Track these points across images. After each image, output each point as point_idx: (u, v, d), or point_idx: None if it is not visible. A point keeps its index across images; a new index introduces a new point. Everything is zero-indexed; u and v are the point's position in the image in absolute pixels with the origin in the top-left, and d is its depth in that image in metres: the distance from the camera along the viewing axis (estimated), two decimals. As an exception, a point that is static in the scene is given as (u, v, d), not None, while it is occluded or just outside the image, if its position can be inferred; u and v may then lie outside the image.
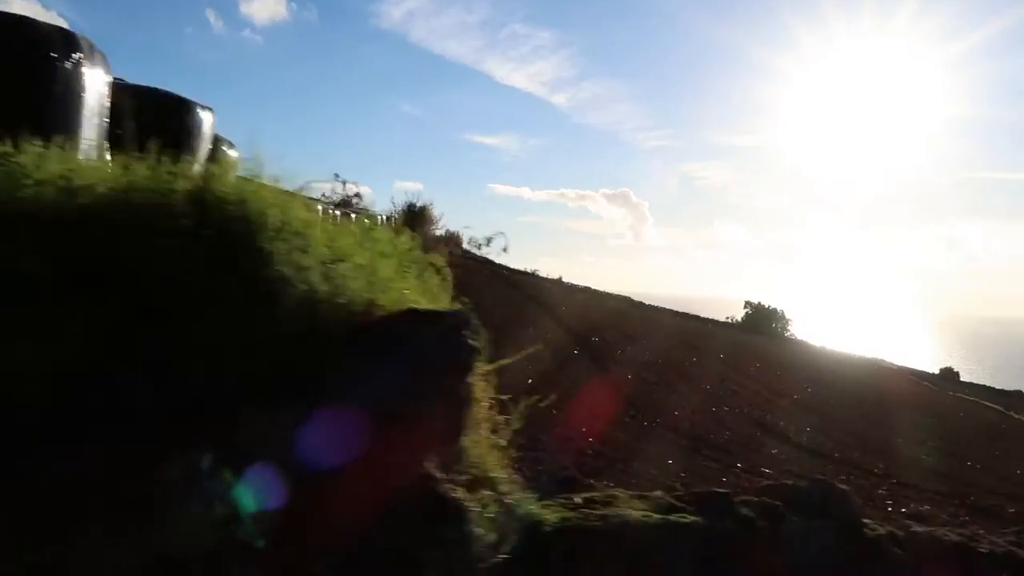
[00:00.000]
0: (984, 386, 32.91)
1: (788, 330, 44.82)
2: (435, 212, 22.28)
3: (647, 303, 30.00)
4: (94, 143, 4.88)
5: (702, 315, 37.51)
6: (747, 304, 45.08)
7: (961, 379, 35.84)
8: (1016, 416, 18.93)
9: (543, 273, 38.91)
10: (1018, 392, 34.21)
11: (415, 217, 19.37)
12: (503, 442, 4.09)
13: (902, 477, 10.79)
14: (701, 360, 17.77)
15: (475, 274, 17.17)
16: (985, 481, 11.45)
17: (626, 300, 27.71)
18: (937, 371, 36.73)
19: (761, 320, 43.58)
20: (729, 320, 44.32)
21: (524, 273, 33.29)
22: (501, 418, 4.09)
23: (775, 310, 45.19)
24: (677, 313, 31.98)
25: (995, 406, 21.03)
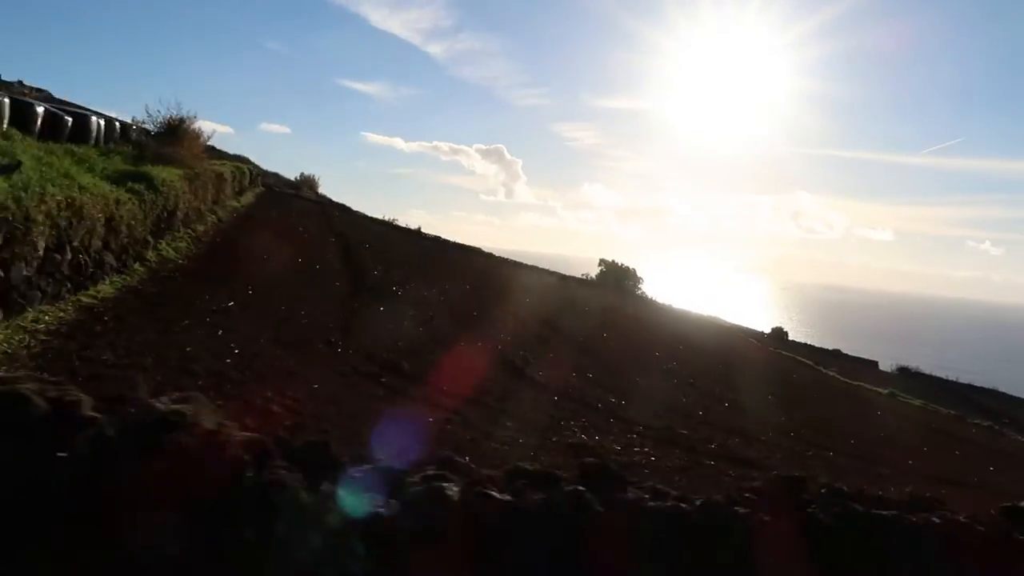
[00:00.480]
0: (806, 344, 35.80)
1: (640, 288, 46.44)
2: (199, 128, 21.86)
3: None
4: None
5: (566, 273, 38.12)
6: (601, 262, 46.32)
7: (789, 338, 38.66)
8: (823, 370, 20.47)
9: (403, 223, 37.97)
10: (837, 351, 37.37)
11: (175, 132, 19.35)
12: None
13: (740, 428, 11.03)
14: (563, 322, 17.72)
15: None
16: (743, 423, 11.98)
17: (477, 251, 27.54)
18: (769, 330, 39.42)
19: (614, 278, 44.84)
20: (584, 277, 45.36)
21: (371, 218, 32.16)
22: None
23: (627, 268, 46.67)
24: (525, 266, 32.26)
25: (806, 361, 22.73)
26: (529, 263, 34.58)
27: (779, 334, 39.33)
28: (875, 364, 35.12)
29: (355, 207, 41.71)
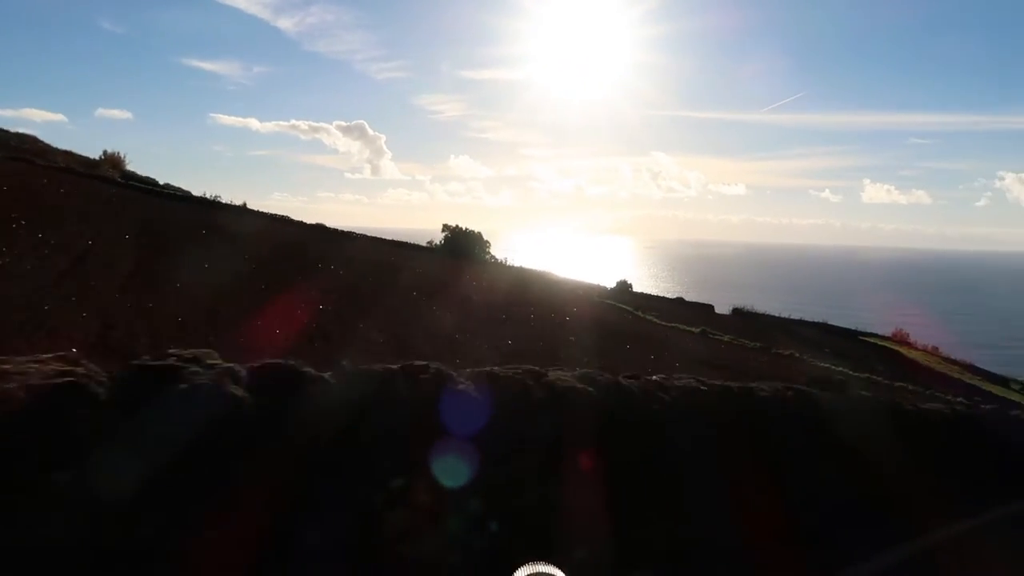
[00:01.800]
0: (646, 294, 36.32)
1: (489, 253, 45.13)
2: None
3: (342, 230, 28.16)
4: None
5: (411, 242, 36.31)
6: (445, 227, 44.58)
7: (633, 290, 38.93)
8: (640, 315, 20.26)
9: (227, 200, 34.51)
10: (679, 299, 38.05)
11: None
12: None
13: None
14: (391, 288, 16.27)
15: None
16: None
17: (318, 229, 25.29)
18: (614, 284, 39.53)
19: (461, 244, 43.28)
20: (429, 245, 43.56)
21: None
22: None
23: (474, 233, 45.20)
24: (376, 240, 30.45)
25: (626, 307, 22.49)
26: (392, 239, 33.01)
27: (623, 287, 39.55)
28: (711, 308, 35.95)
29: (201, 192, 37.80)
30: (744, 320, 31.41)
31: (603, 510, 5.05)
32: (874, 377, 19.51)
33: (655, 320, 21.53)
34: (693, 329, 21.56)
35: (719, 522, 5.57)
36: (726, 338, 20.82)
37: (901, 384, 18.12)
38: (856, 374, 18.15)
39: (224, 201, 35.61)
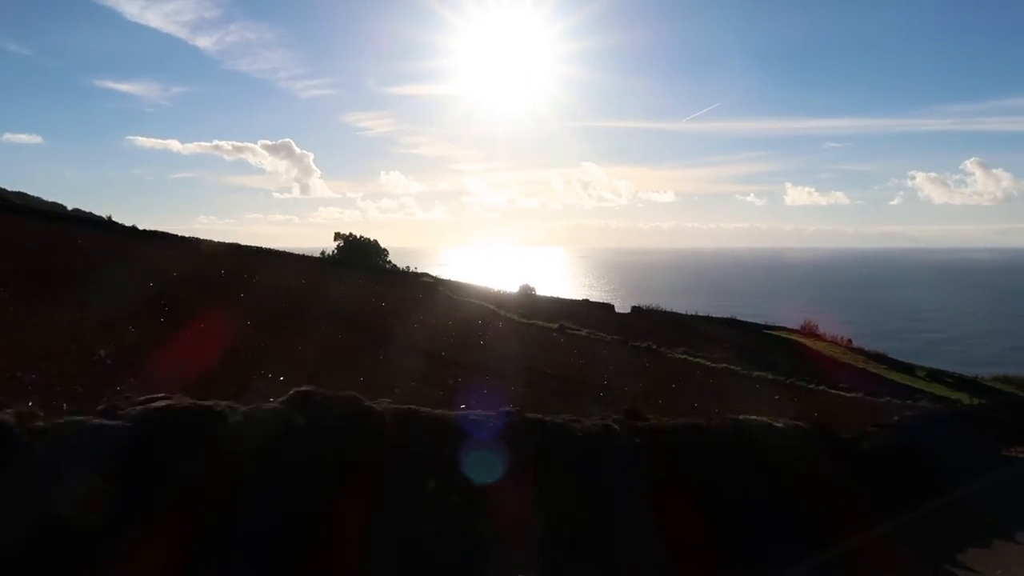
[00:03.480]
0: (551, 297, 34.97)
1: (388, 262, 42.86)
2: None
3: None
4: None
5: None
6: (338, 236, 42.08)
7: (536, 294, 37.46)
8: (503, 313, 18.68)
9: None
10: (586, 300, 36.65)
11: None
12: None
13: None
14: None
15: None
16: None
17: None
18: (516, 289, 37.98)
19: (355, 253, 40.89)
20: (323, 255, 41.10)
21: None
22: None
23: (369, 241, 42.85)
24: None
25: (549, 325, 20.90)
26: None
27: (526, 291, 38.08)
28: (611, 307, 34.70)
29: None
30: (638, 317, 30.11)
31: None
32: (770, 375, 18.23)
33: (516, 318, 20.17)
34: (551, 325, 20.13)
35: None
36: (583, 332, 19.35)
37: (793, 380, 16.89)
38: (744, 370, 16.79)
39: (141, 227, 32.50)
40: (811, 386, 15.72)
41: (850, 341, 43.91)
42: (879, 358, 36.77)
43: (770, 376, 16.99)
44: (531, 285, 39.61)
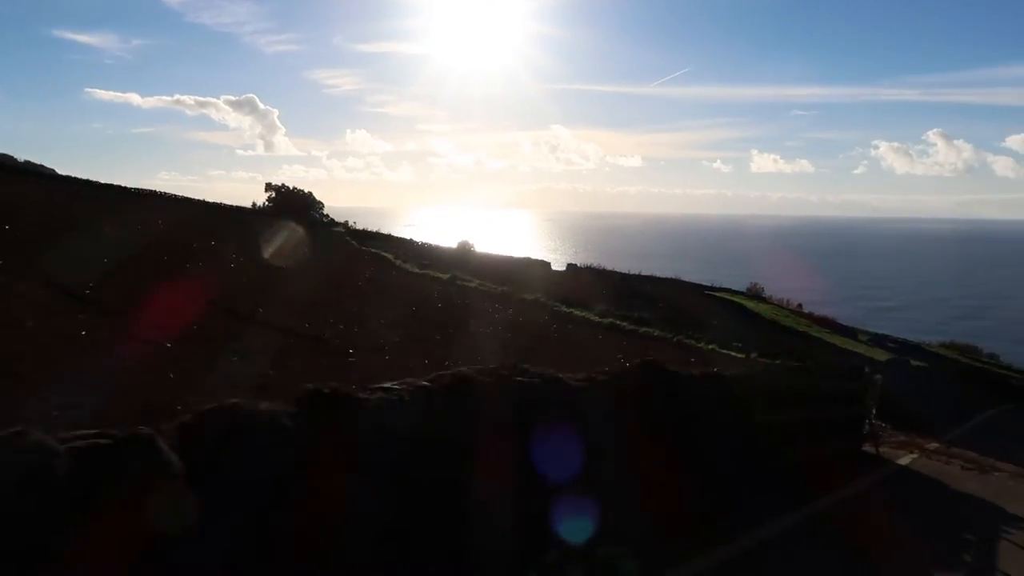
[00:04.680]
0: (486, 254, 33.78)
1: (324, 215, 41.00)
2: None
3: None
4: None
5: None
6: (268, 187, 40.02)
7: (474, 249, 36.26)
8: (399, 264, 17.47)
9: None
10: (527, 258, 35.42)
11: None
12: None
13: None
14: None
15: None
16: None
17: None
18: (456, 245, 36.70)
19: (288, 206, 38.95)
20: (254, 207, 39.11)
21: None
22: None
23: (302, 192, 40.88)
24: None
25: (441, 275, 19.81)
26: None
27: (464, 247, 36.72)
28: (548, 264, 33.55)
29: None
30: (574, 275, 28.87)
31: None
32: (656, 331, 17.09)
33: (410, 268, 19.13)
34: (443, 275, 18.97)
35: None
36: (474, 283, 18.17)
37: (680, 338, 16.00)
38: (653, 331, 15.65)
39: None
40: (700, 345, 14.67)
41: (800, 306, 43.46)
42: (824, 322, 36.32)
43: (656, 332, 15.92)
44: (471, 242, 38.19)
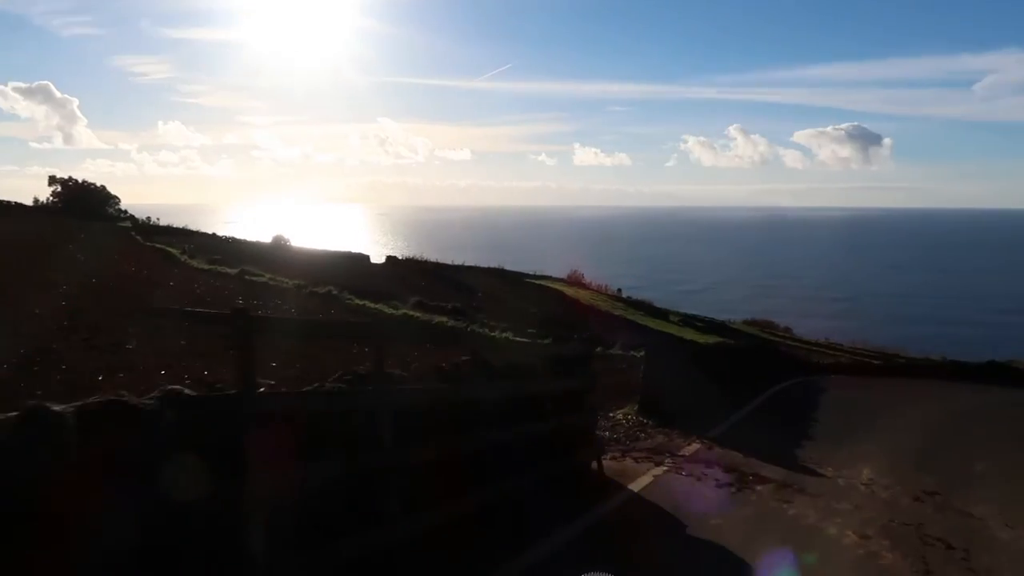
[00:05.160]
0: (300, 248, 32.24)
1: (121, 211, 37.15)
2: None
3: None
4: None
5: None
6: (53, 180, 35.68)
7: (290, 244, 34.48)
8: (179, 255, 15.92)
9: None
10: (336, 251, 34.22)
11: None
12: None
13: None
14: None
15: None
16: None
17: None
18: (270, 239, 34.67)
19: (78, 202, 34.86)
20: (36, 203, 34.65)
21: None
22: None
23: (97, 187, 36.84)
24: None
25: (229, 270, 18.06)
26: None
27: (279, 242, 34.79)
28: (367, 258, 32.70)
29: None
30: (392, 266, 28.13)
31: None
32: (450, 320, 17.02)
33: (196, 265, 17.80)
34: (231, 270, 17.75)
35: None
36: (265, 278, 17.33)
37: (473, 326, 16.09)
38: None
39: None
40: (483, 330, 14.71)
41: (620, 291, 45.39)
42: (639, 305, 38.22)
43: (450, 322, 15.80)
44: (286, 237, 36.15)
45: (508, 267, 39.47)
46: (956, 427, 13.53)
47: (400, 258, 30.17)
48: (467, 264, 36.80)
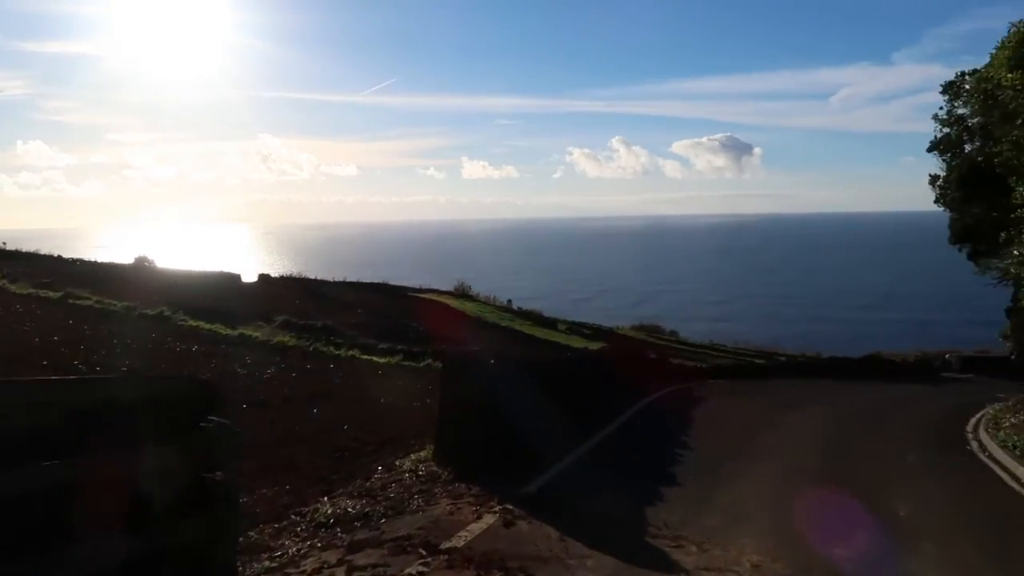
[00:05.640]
0: (165, 269, 30.00)
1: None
2: None
3: None
4: None
5: None
6: None
7: (154, 265, 32.07)
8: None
9: None
10: (220, 272, 32.19)
11: None
12: None
13: None
14: None
15: None
16: None
17: None
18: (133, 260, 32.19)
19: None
20: None
21: None
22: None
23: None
24: None
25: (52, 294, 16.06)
26: None
27: (140, 263, 32.31)
28: (238, 276, 30.89)
29: None
30: (266, 285, 26.58)
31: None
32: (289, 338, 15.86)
33: (16, 290, 16.05)
34: (54, 294, 16.05)
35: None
36: (91, 301, 15.83)
37: (317, 346, 15.03)
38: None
39: None
40: (339, 352, 13.76)
41: (510, 302, 45.17)
42: (527, 315, 38.12)
43: (291, 342, 14.80)
44: (149, 258, 33.59)
45: (395, 282, 38.45)
46: (865, 450, 11.62)
47: (275, 276, 28.44)
48: (348, 280, 35.44)
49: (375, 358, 12.11)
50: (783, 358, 34.19)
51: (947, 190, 26.61)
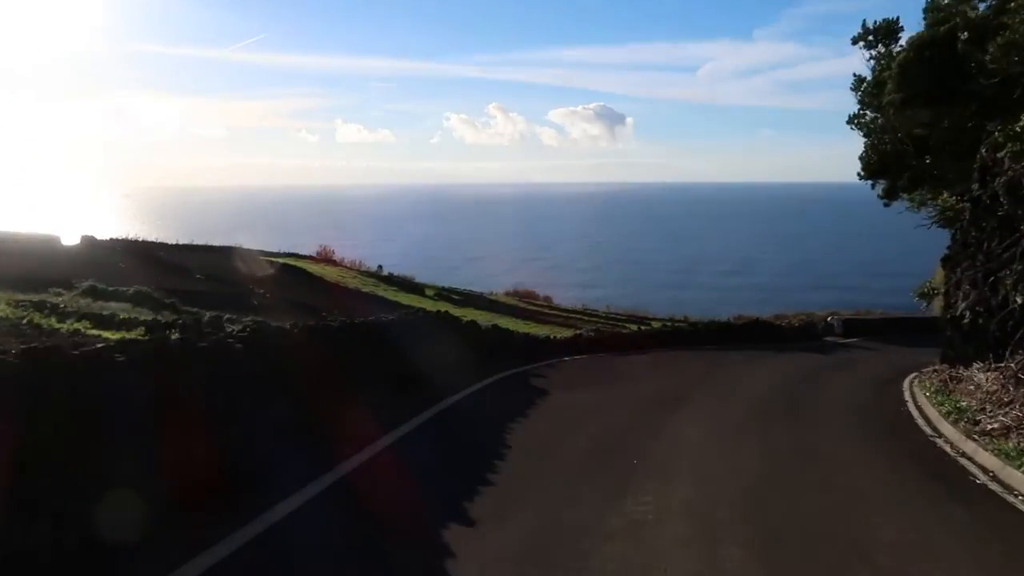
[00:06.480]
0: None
1: None
2: None
3: None
4: None
5: None
6: None
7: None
8: None
9: None
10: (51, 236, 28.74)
11: None
12: None
13: None
14: None
15: None
16: None
17: None
18: None
19: None
20: None
21: None
22: None
23: None
24: None
25: None
26: None
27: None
28: (56, 239, 27.77)
29: None
30: (87, 248, 23.86)
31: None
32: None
33: None
34: None
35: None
36: None
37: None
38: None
39: None
40: (62, 325, 11.91)
41: (380, 267, 43.75)
42: (392, 280, 37.02)
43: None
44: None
45: (250, 247, 36.03)
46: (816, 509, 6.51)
47: (102, 239, 25.52)
48: (196, 243, 32.72)
49: (107, 332, 9.44)
50: (659, 324, 31.98)
51: (874, 98, 21.98)
